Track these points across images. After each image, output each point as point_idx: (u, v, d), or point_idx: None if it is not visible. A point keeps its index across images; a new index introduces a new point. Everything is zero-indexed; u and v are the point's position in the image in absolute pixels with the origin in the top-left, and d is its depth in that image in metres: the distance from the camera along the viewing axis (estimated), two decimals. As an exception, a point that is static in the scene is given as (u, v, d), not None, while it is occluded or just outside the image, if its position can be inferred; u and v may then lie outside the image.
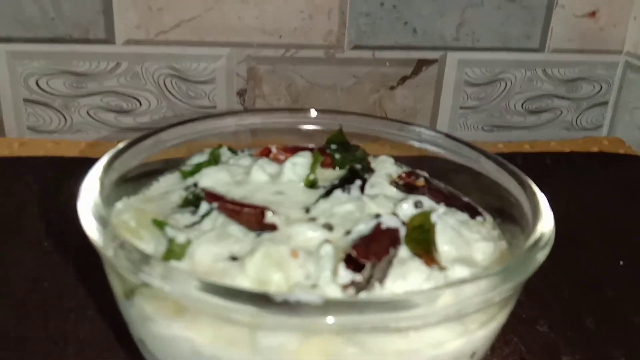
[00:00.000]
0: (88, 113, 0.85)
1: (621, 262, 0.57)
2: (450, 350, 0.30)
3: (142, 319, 0.31)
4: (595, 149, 0.77)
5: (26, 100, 0.83)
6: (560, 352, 0.46)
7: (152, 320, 0.30)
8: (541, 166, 0.73)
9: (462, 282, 0.28)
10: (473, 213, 0.39)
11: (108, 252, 0.29)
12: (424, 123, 0.91)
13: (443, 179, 0.44)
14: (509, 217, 0.40)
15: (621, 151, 0.78)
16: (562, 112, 0.97)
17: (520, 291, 0.34)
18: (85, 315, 0.46)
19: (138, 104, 0.83)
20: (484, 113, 0.92)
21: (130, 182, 0.40)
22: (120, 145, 0.39)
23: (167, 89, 0.82)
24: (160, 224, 0.32)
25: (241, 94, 0.84)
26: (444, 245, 0.34)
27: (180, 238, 0.32)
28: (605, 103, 0.97)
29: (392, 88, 0.87)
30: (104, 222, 0.31)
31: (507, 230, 0.39)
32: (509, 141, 0.84)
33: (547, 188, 0.67)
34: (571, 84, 0.93)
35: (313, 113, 0.46)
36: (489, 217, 0.40)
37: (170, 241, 0.31)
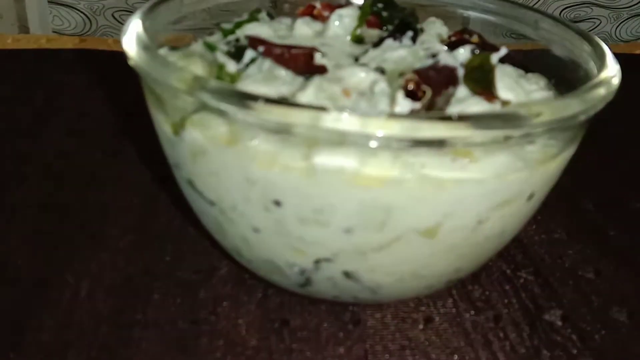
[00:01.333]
0: (113, 16, 0.83)
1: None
2: (510, 185, 0.29)
3: (192, 154, 0.30)
4: (638, 52, 0.74)
5: (50, 2, 0.82)
6: (606, 228, 0.45)
7: (204, 152, 0.30)
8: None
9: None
10: (527, 70, 0.37)
11: (159, 75, 0.28)
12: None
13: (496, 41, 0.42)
14: (564, 80, 0.38)
15: (665, 56, 0.75)
16: (600, 21, 0.93)
17: (577, 144, 0.33)
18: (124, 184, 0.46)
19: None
20: (520, 21, 0.89)
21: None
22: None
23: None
24: (211, 47, 0.31)
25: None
26: (503, 92, 0.32)
27: (231, 67, 0.31)
28: (647, 13, 0.93)
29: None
30: (151, 47, 0.29)
31: (563, 91, 0.38)
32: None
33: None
34: (613, -10, 0.90)
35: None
36: (543, 78, 0.39)
37: (220, 68, 0.30)
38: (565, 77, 0.38)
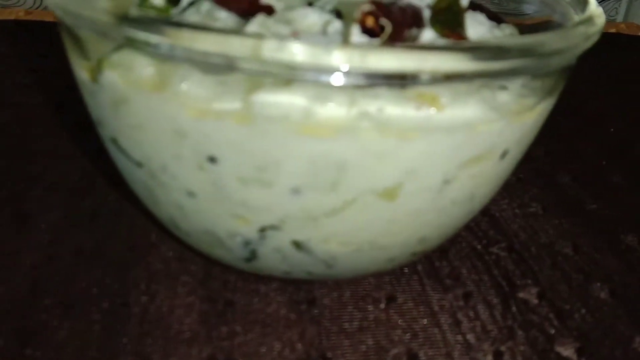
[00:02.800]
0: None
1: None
2: (481, 138, 0.26)
3: (113, 104, 0.26)
4: (613, 31, 0.71)
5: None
6: (585, 202, 0.42)
7: (126, 100, 0.25)
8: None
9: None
10: (500, 21, 0.34)
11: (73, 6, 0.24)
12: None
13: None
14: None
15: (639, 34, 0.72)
16: (573, 3, 0.90)
17: (555, 98, 0.29)
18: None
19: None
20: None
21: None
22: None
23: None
24: None
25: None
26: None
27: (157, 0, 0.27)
28: (620, -5, 0.91)
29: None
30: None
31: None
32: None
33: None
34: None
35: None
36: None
37: (142, 1, 0.26)
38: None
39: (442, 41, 0.27)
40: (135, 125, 0.26)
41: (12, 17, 0.66)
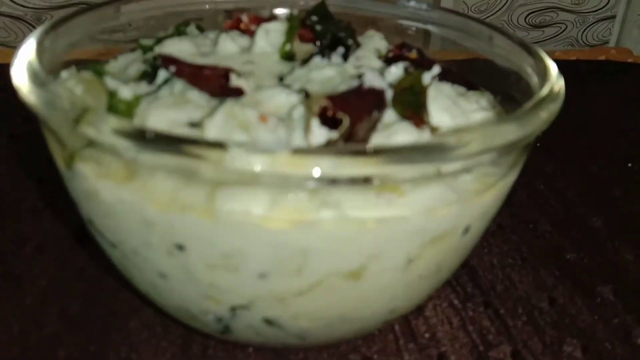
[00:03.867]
0: (61, 27, 0.79)
1: (630, 164, 0.53)
2: (442, 220, 0.26)
3: (86, 192, 0.27)
4: (602, 58, 0.72)
5: (-5, 13, 0.78)
6: (564, 251, 0.42)
7: (97, 190, 0.26)
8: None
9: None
10: (470, 86, 0.34)
11: (41, 106, 0.25)
12: (420, 37, 0.86)
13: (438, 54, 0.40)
14: (510, 97, 0.35)
15: (630, 61, 0.73)
16: (566, 26, 0.91)
17: (519, 170, 0.30)
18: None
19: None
20: (484, 26, 0.87)
21: (83, 62, 0.35)
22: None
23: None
24: (98, 72, 0.27)
25: None
26: (438, 114, 0.30)
27: (125, 92, 0.27)
28: (613, 17, 0.91)
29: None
30: (38, 78, 0.26)
31: (508, 109, 0.35)
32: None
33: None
34: (577, -6, 0.88)
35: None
36: (488, 95, 0.36)
37: (111, 95, 0.27)
38: (511, 93, 0.36)
39: (404, 127, 0.27)
40: (106, 213, 0.27)
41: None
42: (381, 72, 0.32)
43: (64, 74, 0.32)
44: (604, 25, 0.91)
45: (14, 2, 0.77)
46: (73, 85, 0.30)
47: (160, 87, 0.31)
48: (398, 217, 0.25)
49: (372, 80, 0.28)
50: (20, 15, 0.78)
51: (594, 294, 0.39)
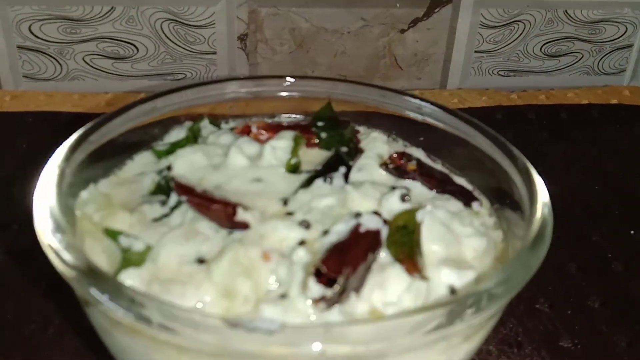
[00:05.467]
0: (84, 60, 0.81)
1: (632, 232, 0.53)
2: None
3: (101, 328, 0.29)
4: (615, 101, 0.72)
5: (20, 47, 0.80)
6: (559, 337, 0.44)
7: (110, 332, 0.29)
8: (556, 121, 0.69)
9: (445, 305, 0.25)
10: (468, 199, 0.36)
11: (58, 264, 0.27)
12: (436, 68, 0.86)
13: (440, 152, 0.41)
14: (507, 200, 0.37)
15: (643, 103, 0.73)
16: (582, 55, 0.91)
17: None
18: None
19: (135, 50, 0.79)
20: (500, 57, 0.87)
21: (103, 160, 0.37)
22: (90, 124, 0.36)
23: (164, 33, 0.78)
24: (113, 234, 0.30)
25: (242, 38, 0.80)
26: (432, 245, 0.31)
27: (138, 246, 0.30)
28: (630, 46, 0.91)
29: (402, 31, 0.82)
30: (60, 228, 0.28)
31: (505, 217, 0.36)
32: (524, 89, 0.79)
33: (560, 147, 0.64)
34: (594, 25, 0.87)
35: (308, 80, 0.43)
36: (486, 202, 0.37)
37: (125, 251, 0.29)
38: (509, 194, 0.37)
39: (396, 272, 0.29)
40: (120, 348, 0.30)
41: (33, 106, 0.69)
42: (381, 195, 0.33)
43: (84, 194, 0.34)
44: (620, 54, 0.91)
45: (35, 36, 0.79)
46: (92, 212, 0.32)
47: (172, 209, 0.33)
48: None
49: (369, 222, 0.30)
50: (43, 49, 0.80)
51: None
